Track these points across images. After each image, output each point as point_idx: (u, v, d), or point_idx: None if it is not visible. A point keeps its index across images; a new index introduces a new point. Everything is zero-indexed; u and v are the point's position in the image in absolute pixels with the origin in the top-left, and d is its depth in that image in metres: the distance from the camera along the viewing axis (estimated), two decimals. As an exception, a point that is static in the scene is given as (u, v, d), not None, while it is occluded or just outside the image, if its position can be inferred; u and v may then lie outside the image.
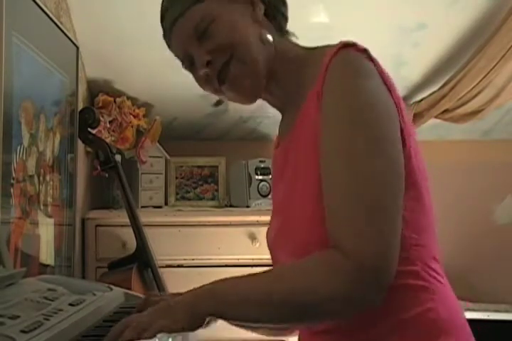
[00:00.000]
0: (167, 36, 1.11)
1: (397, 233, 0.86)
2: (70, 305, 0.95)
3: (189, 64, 1.10)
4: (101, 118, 2.33)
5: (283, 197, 1.08)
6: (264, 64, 1.05)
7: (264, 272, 0.93)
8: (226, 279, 0.95)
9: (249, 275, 0.93)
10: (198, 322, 0.88)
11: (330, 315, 0.88)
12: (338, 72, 0.93)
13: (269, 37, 1.06)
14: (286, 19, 1.13)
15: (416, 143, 0.97)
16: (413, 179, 0.94)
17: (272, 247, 1.10)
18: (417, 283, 0.93)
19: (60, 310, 0.91)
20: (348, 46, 0.96)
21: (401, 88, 2.71)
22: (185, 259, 2.47)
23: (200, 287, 0.94)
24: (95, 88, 2.58)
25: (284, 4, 1.13)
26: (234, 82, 1.06)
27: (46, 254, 1.77)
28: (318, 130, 0.93)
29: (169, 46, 1.13)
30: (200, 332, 0.91)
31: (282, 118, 1.16)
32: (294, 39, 1.13)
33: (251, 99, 1.10)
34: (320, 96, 0.94)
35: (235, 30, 1.04)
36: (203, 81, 1.09)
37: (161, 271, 2.22)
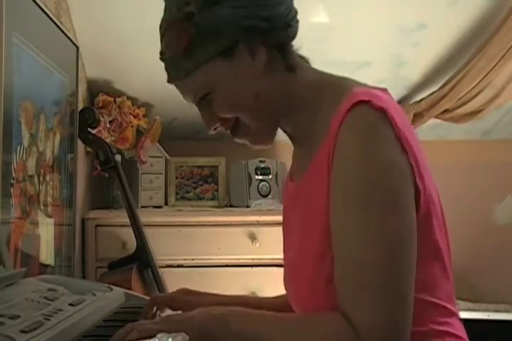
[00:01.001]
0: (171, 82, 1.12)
1: (409, 309, 0.83)
2: (70, 305, 0.95)
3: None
4: (101, 118, 2.33)
5: (294, 242, 1.05)
6: (272, 116, 1.04)
7: (281, 320, 0.91)
8: (242, 311, 0.94)
9: (265, 315, 0.92)
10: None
11: None
12: (350, 137, 0.89)
13: (272, 89, 1.02)
14: (290, 48, 1.05)
15: (434, 200, 0.94)
16: (431, 239, 0.92)
17: (284, 282, 1.10)
18: None
19: (60, 310, 0.91)
20: (363, 102, 0.90)
21: (401, 88, 2.71)
22: (185, 259, 2.47)
23: (214, 311, 0.93)
24: (95, 88, 2.58)
25: (289, 36, 1.04)
26: (245, 138, 1.08)
27: (46, 254, 1.77)
28: (328, 196, 0.91)
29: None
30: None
31: (295, 149, 1.13)
32: (305, 63, 1.08)
33: (266, 144, 1.09)
34: (331, 157, 0.91)
35: (233, 102, 1.02)
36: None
37: (161, 271, 2.22)
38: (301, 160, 1.06)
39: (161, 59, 1.08)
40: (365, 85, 1.01)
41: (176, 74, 1.05)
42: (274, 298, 1.24)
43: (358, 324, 0.81)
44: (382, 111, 0.88)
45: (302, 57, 1.08)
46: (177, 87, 1.08)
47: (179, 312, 1.14)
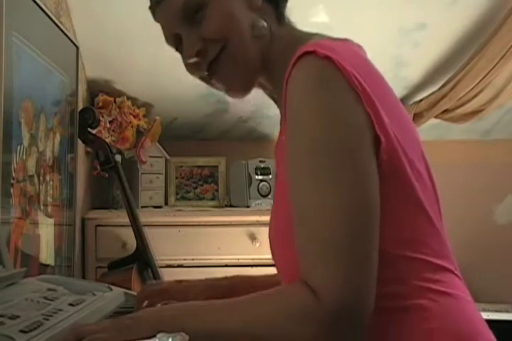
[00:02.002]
0: (153, 9, 1.04)
1: (370, 269, 0.79)
2: (70, 305, 0.95)
3: (175, 43, 1.04)
4: (101, 118, 2.33)
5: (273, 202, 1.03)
6: (256, 58, 1.00)
7: (234, 301, 0.85)
8: (192, 305, 0.88)
9: (218, 304, 0.86)
10: None
11: None
12: (296, 93, 0.85)
13: (265, 27, 0.99)
14: (285, 4, 1.04)
15: (406, 151, 0.88)
16: (407, 191, 0.87)
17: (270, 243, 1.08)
18: (410, 304, 0.85)
19: (60, 310, 0.91)
20: (307, 53, 0.85)
21: (401, 88, 2.71)
22: (185, 259, 2.47)
23: (163, 310, 0.89)
24: (95, 88, 2.58)
25: None
26: (224, 76, 1.01)
27: (46, 254, 1.77)
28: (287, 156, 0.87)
29: (154, 18, 1.06)
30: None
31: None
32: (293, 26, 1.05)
33: (240, 94, 1.04)
34: (285, 116, 0.88)
35: (229, 19, 0.97)
36: (190, 67, 1.03)
37: (161, 271, 2.22)
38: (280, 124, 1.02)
39: None
40: (328, 37, 0.97)
41: None
42: (269, 276, 1.20)
43: (316, 287, 0.77)
44: (329, 59, 0.83)
45: (288, 19, 1.06)
46: (164, 10, 1.01)
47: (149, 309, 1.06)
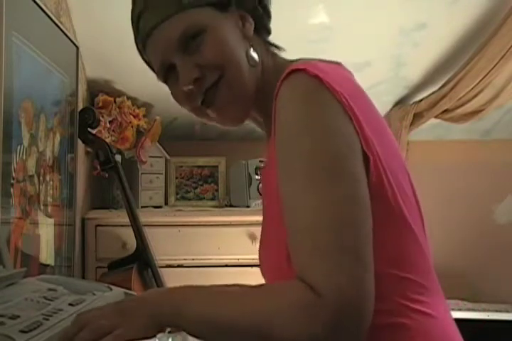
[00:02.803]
0: (141, 40, 1.05)
1: (368, 269, 0.79)
2: (70, 305, 0.95)
3: (166, 74, 1.05)
4: (101, 118, 2.33)
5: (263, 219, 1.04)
6: (252, 86, 1.01)
7: (234, 289, 0.88)
8: (191, 290, 0.89)
9: (217, 290, 0.88)
10: (155, 332, 0.86)
11: None
12: (285, 107, 0.86)
13: (256, 57, 1.01)
14: (269, 33, 1.08)
15: (393, 169, 0.89)
16: (392, 209, 0.88)
17: (259, 260, 1.08)
18: (393, 321, 0.86)
19: (60, 310, 0.91)
20: (297, 70, 0.87)
21: (401, 88, 2.71)
22: (185, 259, 2.47)
23: (163, 293, 0.90)
24: (95, 88, 2.58)
25: (269, 17, 1.07)
26: (220, 104, 1.02)
27: (46, 254, 1.77)
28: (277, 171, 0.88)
29: (142, 51, 1.07)
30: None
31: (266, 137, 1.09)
32: (280, 53, 1.08)
33: (235, 123, 1.06)
34: (274, 132, 0.89)
35: (227, 47, 0.98)
36: (183, 97, 1.04)
37: (161, 271, 2.22)
38: (267, 149, 1.03)
39: (144, 6, 1.05)
40: (316, 60, 0.98)
41: (165, 10, 1.00)
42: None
43: (315, 284, 0.77)
44: (317, 78, 0.85)
45: (276, 46, 1.08)
46: (160, 33, 1.01)
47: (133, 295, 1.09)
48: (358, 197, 0.82)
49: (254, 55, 1.01)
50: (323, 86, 0.85)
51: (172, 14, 0.99)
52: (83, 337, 0.82)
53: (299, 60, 0.99)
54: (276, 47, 1.09)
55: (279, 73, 0.93)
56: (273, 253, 0.97)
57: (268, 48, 1.06)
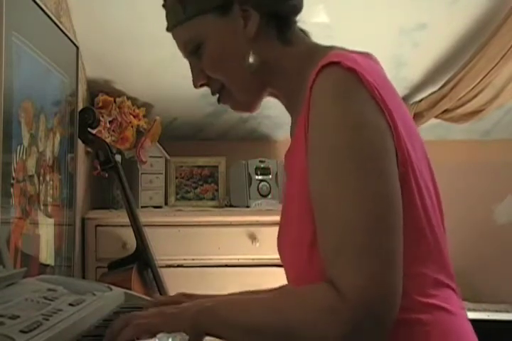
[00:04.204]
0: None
1: (397, 269, 0.80)
2: (70, 305, 0.95)
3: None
4: (101, 118, 2.33)
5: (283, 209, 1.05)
6: (257, 85, 1.05)
7: (267, 297, 0.92)
8: (229, 299, 0.94)
9: (251, 298, 0.93)
10: (195, 338, 0.89)
11: None
12: (321, 99, 0.88)
13: (259, 58, 1.02)
14: (289, 23, 1.05)
15: (415, 165, 0.89)
16: (410, 200, 0.88)
17: (277, 247, 1.09)
18: (408, 317, 0.86)
19: (60, 310, 0.91)
20: (333, 63, 0.88)
21: (401, 88, 2.71)
22: (185, 259, 2.47)
23: (205, 301, 0.94)
24: (95, 88, 2.58)
25: (288, 8, 1.04)
26: (228, 103, 1.09)
27: (46, 254, 1.77)
28: (305, 160, 0.90)
29: None
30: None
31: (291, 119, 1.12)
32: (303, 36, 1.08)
33: (249, 111, 1.10)
34: (307, 121, 0.90)
35: (222, 61, 1.03)
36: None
37: (161, 270, 2.22)
38: (292, 129, 1.06)
39: (163, 6, 1.09)
40: (347, 50, 0.99)
41: (171, 22, 1.07)
42: (271, 289, 1.22)
43: (343, 286, 0.78)
44: (352, 71, 0.86)
45: (303, 31, 1.08)
46: (173, 37, 1.09)
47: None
48: (391, 195, 0.83)
49: (255, 58, 1.02)
50: (358, 80, 0.86)
51: (177, 24, 1.05)
52: (127, 333, 0.87)
53: (331, 47, 1.01)
54: (302, 30, 1.08)
55: (307, 58, 0.98)
56: (293, 235, 0.97)
57: (284, 38, 1.04)
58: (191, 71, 1.08)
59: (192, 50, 1.04)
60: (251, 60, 1.02)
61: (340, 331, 0.78)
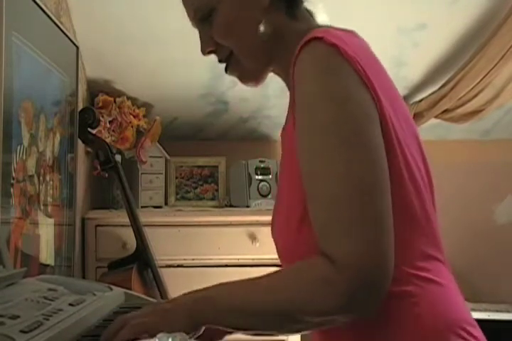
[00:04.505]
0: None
1: (388, 236, 0.81)
2: (70, 305, 0.95)
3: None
4: (101, 118, 2.33)
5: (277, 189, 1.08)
6: (264, 56, 1.05)
7: (260, 278, 0.91)
8: (222, 285, 0.94)
9: (245, 281, 0.92)
10: (194, 329, 0.89)
11: (324, 325, 0.87)
12: (302, 74, 0.89)
13: (269, 28, 1.03)
14: (298, 2, 1.07)
15: (399, 137, 0.90)
16: (396, 171, 0.89)
17: (272, 237, 1.10)
18: (398, 289, 0.87)
19: (60, 310, 0.91)
20: (315, 39, 0.89)
21: (401, 88, 2.71)
22: (185, 259, 2.47)
23: (198, 291, 0.94)
24: (95, 88, 2.58)
25: None
26: (234, 72, 1.08)
27: (46, 254, 1.77)
28: (294, 137, 0.91)
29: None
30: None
31: None
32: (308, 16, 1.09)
33: (253, 84, 1.10)
34: (293, 101, 0.92)
35: (233, 27, 1.02)
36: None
37: (161, 271, 2.22)
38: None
39: None
40: (333, 27, 1.00)
41: None
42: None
43: (336, 256, 0.80)
44: (335, 46, 0.87)
45: (309, 12, 1.10)
46: (184, 6, 1.08)
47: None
48: (376, 166, 0.84)
49: (267, 27, 1.03)
50: (340, 55, 0.87)
51: None
52: (124, 334, 0.87)
53: (325, 26, 1.02)
54: (307, 11, 1.10)
55: (300, 37, 0.97)
56: (284, 212, 0.99)
57: (292, 14, 1.05)
58: (200, 38, 1.07)
59: (203, 16, 1.03)
60: (263, 28, 1.03)
61: (336, 302, 0.80)
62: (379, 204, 0.83)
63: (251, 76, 1.08)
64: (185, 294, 0.95)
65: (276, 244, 1.05)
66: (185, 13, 1.09)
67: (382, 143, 0.86)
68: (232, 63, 1.06)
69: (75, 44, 2.09)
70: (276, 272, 0.91)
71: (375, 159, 0.84)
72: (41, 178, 1.69)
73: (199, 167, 2.87)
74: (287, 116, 1.00)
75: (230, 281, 0.94)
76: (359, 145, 0.84)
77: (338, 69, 0.87)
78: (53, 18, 1.78)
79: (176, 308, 0.90)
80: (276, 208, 1.05)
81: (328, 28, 0.96)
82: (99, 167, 2.30)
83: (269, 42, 1.03)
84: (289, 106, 0.98)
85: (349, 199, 0.82)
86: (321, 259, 0.81)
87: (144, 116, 2.65)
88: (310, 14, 1.10)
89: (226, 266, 2.46)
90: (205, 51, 1.07)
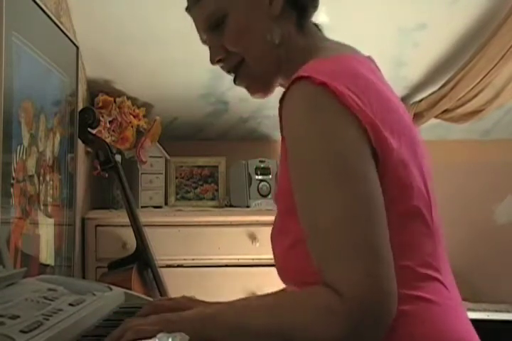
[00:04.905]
0: (188, 11, 1.11)
1: (386, 264, 0.82)
2: (70, 305, 0.95)
3: (203, 41, 1.11)
4: (101, 118, 2.33)
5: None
6: (274, 65, 1.06)
7: (267, 299, 0.92)
8: (230, 304, 0.94)
9: (253, 301, 0.93)
10: None
11: None
12: (290, 115, 0.90)
13: (278, 37, 1.04)
14: (309, 14, 1.08)
15: (405, 162, 0.91)
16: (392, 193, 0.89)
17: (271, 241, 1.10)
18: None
19: (60, 310, 0.91)
20: (303, 78, 0.89)
21: (401, 88, 2.71)
22: (185, 259, 2.47)
23: (206, 307, 0.96)
24: (95, 88, 2.58)
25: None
26: (243, 82, 1.09)
27: (46, 254, 1.77)
28: (286, 163, 0.92)
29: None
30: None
31: None
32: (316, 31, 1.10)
33: (261, 95, 1.11)
34: (283, 134, 0.93)
35: (245, 34, 1.03)
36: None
37: (161, 271, 2.22)
38: None
39: None
40: (345, 49, 1.01)
41: None
42: (271, 294, 1.23)
43: (337, 285, 0.80)
44: (322, 84, 0.86)
45: (316, 26, 1.11)
46: (193, 16, 1.09)
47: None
48: (370, 194, 0.84)
49: (276, 35, 1.03)
50: (328, 93, 0.86)
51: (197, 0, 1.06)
52: (127, 338, 0.87)
53: (323, 50, 1.01)
54: (316, 25, 1.11)
55: (306, 53, 1.00)
56: (280, 227, 1.01)
57: (300, 26, 1.06)
58: (210, 47, 1.08)
59: (214, 23, 1.04)
60: (272, 36, 1.03)
61: (338, 332, 0.80)
62: (376, 236, 0.83)
63: (260, 86, 1.09)
64: (194, 310, 0.95)
65: (272, 249, 1.06)
66: (186, 14, 1.09)
67: (374, 176, 0.86)
68: (241, 73, 1.07)
69: (75, 44, 2.09)
70: (282, 295, 0.93)
71: (367, 192, 0.84)
72: (41, 178, 1.69)
73: (199, 167, 2.87)
74: (281, 141, 0.99)
75: (237, 299, 0.95)
76: (350, 180, 0.84)
77: (326, 108, 0.87)
78: (53, 18, 1.78)
79: (182, 322, 0.90)
80: (275, 222, 1.05)
81: (318, 61, 0.95)
82: (99, 167, 2.30)
83: (277, 51, 1.04)
84: (281, 139, 0.97)
85: (346, 232, 0.82)
86: (326, 289, 0.82)
87: (144, 116, 2.65)
88: (318, 28, 1.11)
89: (226, 266, 2.46)
90: (214, 60, 1.08)
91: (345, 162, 0.85)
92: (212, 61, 1.08)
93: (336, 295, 0.80)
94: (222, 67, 1.10)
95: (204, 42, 1.11)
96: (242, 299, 0.96)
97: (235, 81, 1.10)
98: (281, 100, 0.92)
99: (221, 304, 0.96)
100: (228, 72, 1.09)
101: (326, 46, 1.04)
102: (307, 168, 0.87)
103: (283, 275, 1.02)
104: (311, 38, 1.07)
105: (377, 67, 1.06)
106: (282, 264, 1.01)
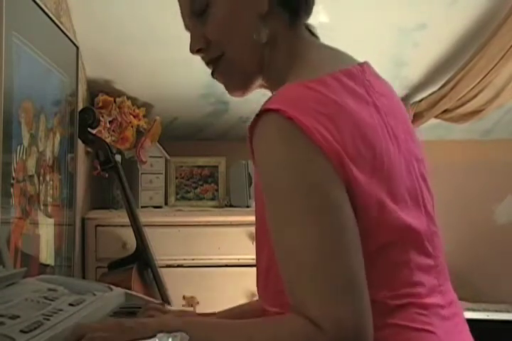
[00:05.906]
0: None
1: (360, 297, 0.80)
2: (70, 305, 0.95)
3: (187, 28, 1.07)
4: (101, 118, 2.33)
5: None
6: (254, 64, 1.01)
7: (241, 326, 0.87)
8: (201, 324, 0.90)
9: (225, 326, 0.89)
10: None
11: None
12: (258, 148, 0.89)
13: (266, 36, 0.99)
14: (299, 14, 1.02)
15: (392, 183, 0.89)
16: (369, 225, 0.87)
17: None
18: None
19: (60, 310, 0.91)
20: (272, 110, 0.87)
21: (401, 88, 2.71)
22: (185, 259, 2.47)
23: (173, 321, 0.90)
24: (95, 88, 2.58)
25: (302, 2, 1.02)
26: (221, 76, 1.04)
27: (46, 254, 1.77)
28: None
29: None
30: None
31: None
32: (308, 32, 1.05)
33: (238, 94, 1.06)
34: (253, 159, 0.91)
35: (229, 26, 0.99)
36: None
37: (161, 271, 2.22)
38: None
39: None
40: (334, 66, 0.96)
41: None
42: (240, 306, 1.20)
43: (314, 317, 0.78)
44: (290, 119, 0.85)
45: (310, 31, 1.06)
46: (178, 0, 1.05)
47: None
48: (345, 226, 0.83)
49: (263, 34, 0.99)
50: (296, 127, 0.85)
51: None
52: None
53: (307, 70, 0.97)
54: (307, 28, 1.06)
55: (292, 55, 0.96)
56: (259, 264, 1.00)
57: (291, 28, 1.01)
58: (191, 35, 1.03)
59: (197, 11, 1.00)
60: (257, 34, 0.99)
61: None
62: (354, 268, 0.81)
63: (238, 83, 1.04)
64: (150, 319, 0.91)
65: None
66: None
67: (348, 207, 0.84)
68: (219, 67, 1.02)
69: (75, 44, 2.09)
70: (256, 323, 0.88)
71: (342, 223, 0.83)
72: (41, 178, 1.69)
73: (199, 167, 2.87)
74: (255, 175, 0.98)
75: (208, 318, 0.93)
76: (325, 212, 0.83)
77: (296, 141, 0.85)
78: (53, 18, 1.78)
79: (142, 329, 0.85)
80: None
81: (290, 88, 0.92)
82: (99, 167, 2.30)
83: (261, 50, 1.00)
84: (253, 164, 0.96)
85: (316, 262, 0.80)
86: (302, 319, 0.79)
87: (144, 116, 2.65)
88: (311, 33, 1.07)
89: (226, 266, 2.46)
90: (194, 49, 1.02)
91: (320, 193, 0.83)
92: (192, 50, 1.03)
93: (315, 327, 0.78)
94: (202, 58, 1.05)
95: (187, 28, 1.06)
96: (216, 322, 0.93)
97: (212, 74, 1.05)
98: (251, 128, 0.90)
99: (192, 321, 0.92)
100: (207, 64, 1.04)
101: (309, 59, 0.99)
102: (282, 199, 0.85)
103: (262, 293, 1.00)
104: (299, 43, 1.02)
105: (373, 72, 1.01)
106: (263, 283, 0.98)
